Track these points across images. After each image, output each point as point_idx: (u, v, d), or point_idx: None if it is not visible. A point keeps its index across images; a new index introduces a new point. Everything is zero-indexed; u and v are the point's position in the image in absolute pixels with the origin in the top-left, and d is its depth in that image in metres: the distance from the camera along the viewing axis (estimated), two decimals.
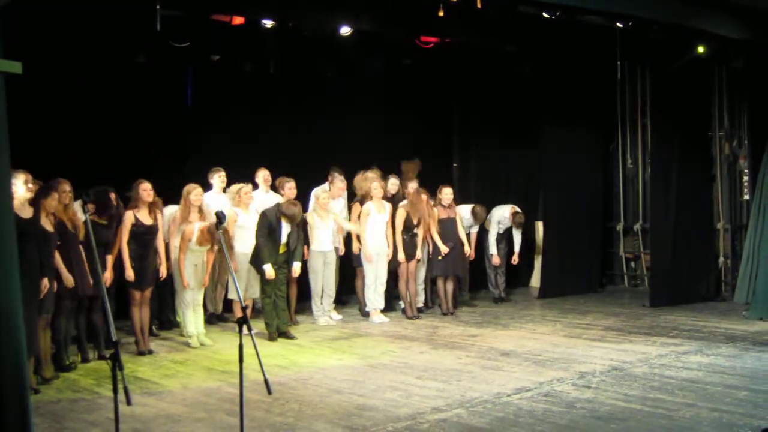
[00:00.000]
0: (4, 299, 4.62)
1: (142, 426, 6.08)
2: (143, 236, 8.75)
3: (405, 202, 10.91)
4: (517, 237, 12.19)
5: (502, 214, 12.03)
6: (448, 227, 10.99)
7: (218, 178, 10.43)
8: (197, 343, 9.07)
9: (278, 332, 9.52)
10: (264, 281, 9.50)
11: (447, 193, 11.13)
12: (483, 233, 12.12)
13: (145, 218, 8.79)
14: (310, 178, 11.15)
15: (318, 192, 10.54)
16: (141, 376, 7.69)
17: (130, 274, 8.59)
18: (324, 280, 10.46)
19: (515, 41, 11.34)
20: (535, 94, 12.91)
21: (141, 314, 8.79)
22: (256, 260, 9.49)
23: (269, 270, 9.36)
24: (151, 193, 8.86)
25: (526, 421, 6.06)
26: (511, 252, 12.23)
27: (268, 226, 9.47)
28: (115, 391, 4.27)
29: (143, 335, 8.78)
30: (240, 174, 11.03)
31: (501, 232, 12.05)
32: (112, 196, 8.59)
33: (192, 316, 9.17)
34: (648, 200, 12.83)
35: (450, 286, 11.10)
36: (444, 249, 10.83)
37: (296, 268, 9.82)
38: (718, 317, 10.48)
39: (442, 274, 11.02)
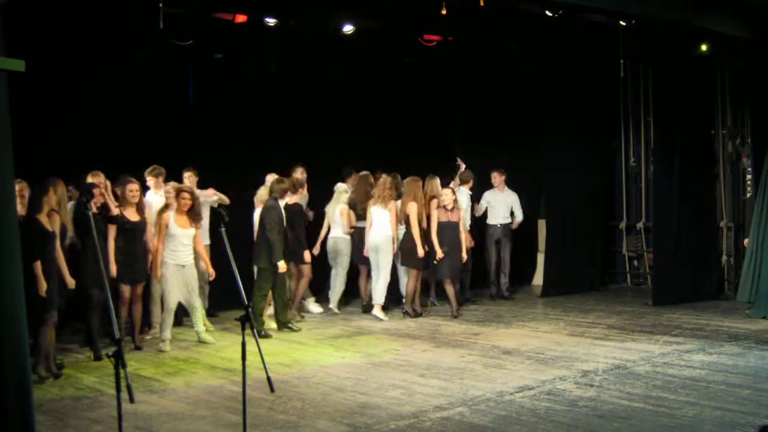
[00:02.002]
0: (8, 302, 4.63)
1: (144, 423, 6.09)
2: (130, 233, 8.78)
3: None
4: (517, 211, 12.28)
5: (490, 194, 12.25)
6: (446, 232, 10.66)
7: (186, 179, 10.06)
8: (168, 348, 8.81)
9: (283, 324, 9.76)
10: (269, 277, 9.56)
11: (447, 194, 10.76)
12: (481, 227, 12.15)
13: (132, 215, 8.83)
14: (311, 176, 11.14)
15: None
16: (144, 374, 7.70)
17: (113, 269, 8.60)
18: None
19: (518, 40, 11.34)
20: (538, 93, 12.91)
21: (132, 310, 8.86)
22: (268, 256, 9.52)
23: (283, 265, 9.51)
24: (137, 194, 8.91)
25: (529, 420, 6.06)
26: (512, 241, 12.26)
27: (279, 220, 9.54)
28: (117, 388, 4.27)
29: (135, 331, 8.91)
30: (239, 173, 11.08)
31: (497, 220, 12.14)
32: (96, 191, 8.49)
33: (169, 320, 8.91)
34: (651, 198, 12.80)
35: (452, 289, 10.90)
36: (438, 254, 10.56)
37: (307, 255, 10.22)
38: (721, 316, 10.47)
39: (444, 278, 10.78)
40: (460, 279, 11.42)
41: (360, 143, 12.74)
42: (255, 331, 4.87)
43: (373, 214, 10.69)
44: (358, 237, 11.03)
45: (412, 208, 10.52)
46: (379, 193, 10.65)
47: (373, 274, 10.81)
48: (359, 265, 11.17)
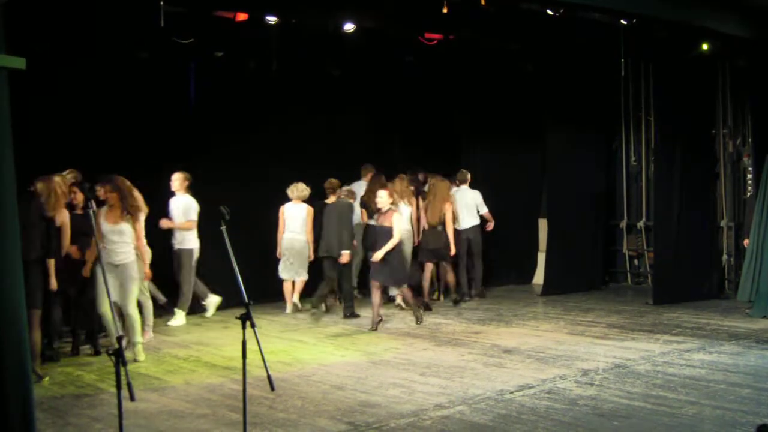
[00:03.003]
0: (9, 298, 4.64)
1: (145, 421, 6.09)
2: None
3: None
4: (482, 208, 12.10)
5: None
6: (377, 236, 9.97)
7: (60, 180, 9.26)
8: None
9: (349, 311, 10.72)
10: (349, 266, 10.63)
11: (380, 197, 9.96)
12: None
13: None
14: (311, 174, 11.15)
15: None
16: (144, 372, 7.71)
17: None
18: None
19: (519, 39, 11.33)
20: (539, 92, 12.91)
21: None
22: (347, 244, 10.49)
23: (348, 255, 10.45)
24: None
25: (529, 418, 6.06)
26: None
27: (351, 218, 10.63)
28: (118, 386, 4.27)
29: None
30: (240, 170, 11.07)
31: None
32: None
33: (109, 328, 8.23)
34: (651, 198, 12.80)
35: (376, 297, 9.95)
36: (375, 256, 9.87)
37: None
38: (721, 315, 10.47)
39: (392, 286, 10.58)
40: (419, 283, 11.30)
41: (361, 142, 12.75)
42: (255, 329, 4.85)
43: None
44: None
45: (448, 209, 11.17)
46: (396, 192, 10.82)
47: None
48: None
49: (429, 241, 11.22)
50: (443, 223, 11.14)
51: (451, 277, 11.60)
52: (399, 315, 10.82)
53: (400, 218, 10.05)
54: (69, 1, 8.82)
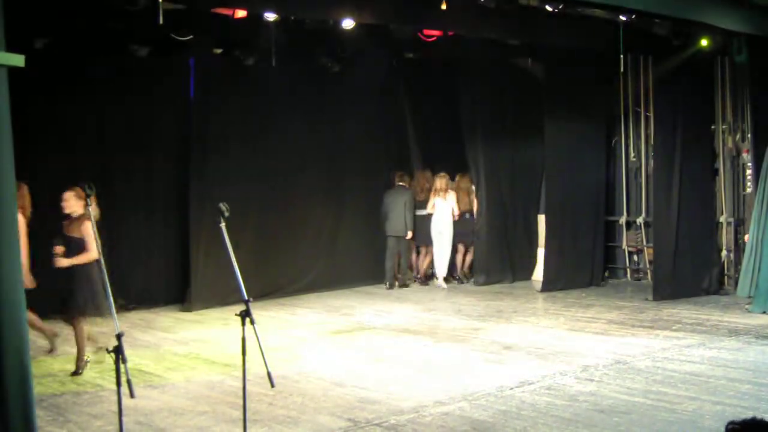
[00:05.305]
0: (8, 292, 4.63)
1: (145, 419, 6.10)
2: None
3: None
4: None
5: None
6: (69, 247, 7.56)
7: None
8: None
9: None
10: None
11: (66, 200, 7.57)
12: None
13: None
14: (311, 172, 11.14)
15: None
16: (144, 369, 7.71)
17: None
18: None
19: (518, 34, 11.31)
20: (539, 88, 12.89)
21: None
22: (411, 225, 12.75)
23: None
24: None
25: (529, 415, 6.07)
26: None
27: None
28: (118, 383, 4.27)
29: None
30: (239, 167, 11.04)
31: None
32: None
33: None
34: (651, 194, 12.79)
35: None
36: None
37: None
38: (720, 311, 10.47)
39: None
40: None
41: (360, 139, 12.74)
42: (255, 326, 4.85)
43: (437, 204, 12.90)
44: (419, 222, 13.02)
45: (474, 200, 13.18)
46: (440, 187, 12.85)
47: (437, 250, 13.00)
48: (420, 245, 13.36)
49: (457, 227, 13.05)
50: (469, 212, 13.15)
51: (467, 258, 13.44)
52: (399, 311, 10.81)
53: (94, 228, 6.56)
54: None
